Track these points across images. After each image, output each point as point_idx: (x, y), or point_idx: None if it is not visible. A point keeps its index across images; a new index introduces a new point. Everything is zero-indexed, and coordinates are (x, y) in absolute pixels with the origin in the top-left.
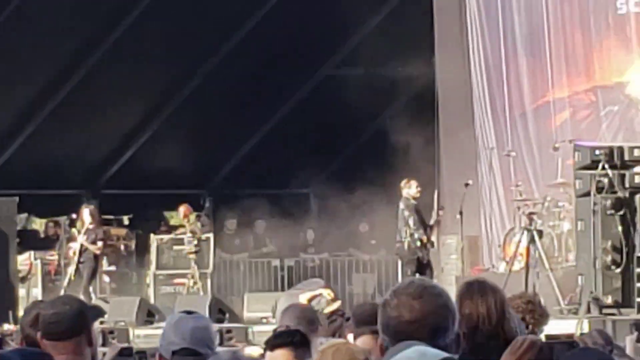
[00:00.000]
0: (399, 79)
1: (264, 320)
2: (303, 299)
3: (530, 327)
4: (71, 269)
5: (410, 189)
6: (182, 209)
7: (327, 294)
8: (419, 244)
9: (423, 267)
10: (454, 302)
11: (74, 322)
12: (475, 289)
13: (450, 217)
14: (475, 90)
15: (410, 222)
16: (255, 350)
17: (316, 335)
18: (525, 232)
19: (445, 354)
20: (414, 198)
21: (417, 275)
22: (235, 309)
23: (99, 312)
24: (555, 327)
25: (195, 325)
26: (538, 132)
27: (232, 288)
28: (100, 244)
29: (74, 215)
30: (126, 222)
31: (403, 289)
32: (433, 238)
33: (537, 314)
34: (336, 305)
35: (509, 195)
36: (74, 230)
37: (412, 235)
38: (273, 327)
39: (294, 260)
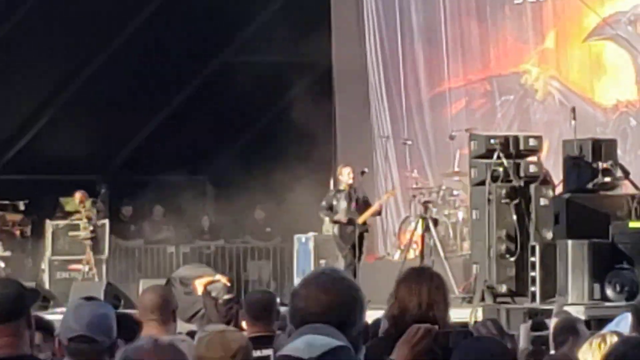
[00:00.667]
0: (297, 66)
1: None
2: (200, 284)
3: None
4: None
5: (342, 175)
6: (78, 194)
7: (225, 279)
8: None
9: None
10: (362, 295)
11: (14, 305)
12: (413, 275)
13: None
14: (372, 79)
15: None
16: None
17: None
18: (421, 220)
19: (336, 342)
20: (347, 184)
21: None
22: (130, 295)
23: (36, 295)
24: (449, 315)
25: (94, 312)
26: (434, 121)
27: (127, 274)
28: None
29: None
30: (22, 207)
31: (312, 280)
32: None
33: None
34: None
35: (404, 183)
36: None
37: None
38: None
39: (189, 247)
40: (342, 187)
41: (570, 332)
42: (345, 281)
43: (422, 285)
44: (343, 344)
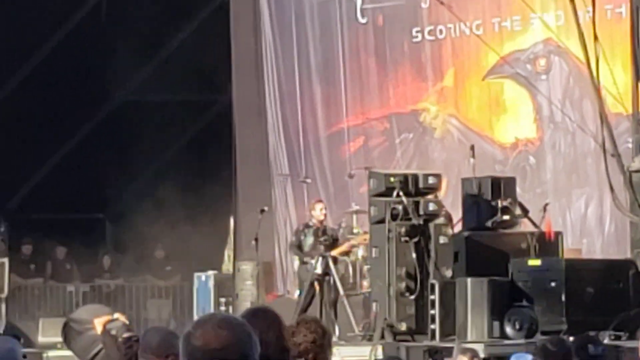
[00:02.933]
0: (197, 104)
1: (59, 346)
2: (99, 323)
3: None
4: None
5: (314, 211)
6: None
7: (124, 318)
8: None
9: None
10: (254, 332)
11: None
12: (248, 315)
13: (245, 243)
14: (270, 117)
15: (298, 248)
16: None
17: None
18: (320, 259)
19: None
20: (319, 220)
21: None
22: (30, 334)
23: None
24: (350, 353)
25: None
26: (332, 159)
27: (26, 313)
28: None
29: None
30: None
31: (206, 320)
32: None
33: (322, 347)
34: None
35: (302, 221)
36: None
37: (302, 260)
38: (67, 352)
39: (89, 285)
40: (312, 222)
41: None
42: (238, 319)
43: (255, 325)
44: None
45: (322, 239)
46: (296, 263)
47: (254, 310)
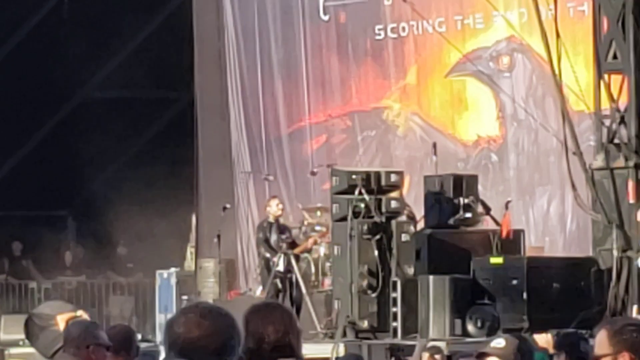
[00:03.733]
0: (159, 101)
1: (21, 343)
2: (62, 320)
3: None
4: None
5: (270, 207)
6: None
7: (87, 315)
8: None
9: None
10: (238, 324)
11: None
12: (262, 306)
13: (207, 241)
14: (232, 114)
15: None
16: None
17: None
18: (283, 256)
19: None
20: (275, 216)
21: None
22: None
23: None
24: (311, 350)
25: None
26: (293, 157)
27: None
28: None
29: None
30: None
31: (190, 309)
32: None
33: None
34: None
35: (264, 219)
36: None
37: (264, 257)
38: (29, 349)
39: (51, 282)
40: (270, 219)
41: None
42: (222, 310)
43: (275, 314)
44: None
45: (284, 236)
46: (257, 260)
47: (266, 302)
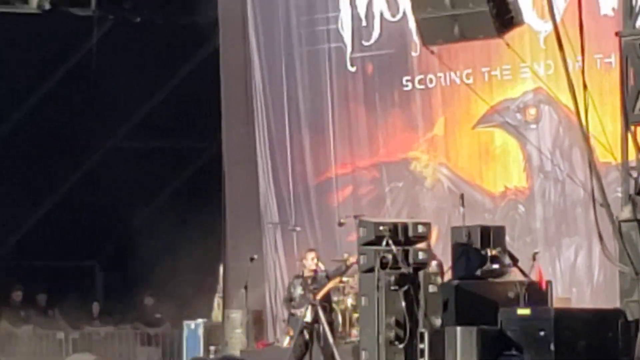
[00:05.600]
0: (186, 151)
1: None
2: None
3: None
4: None
5: (306, 260)
6: None
7: None
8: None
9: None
10: None
11: None
12: None
13: (235, 292)
14: (260, 165)
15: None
16: None
17: None
18: (310, 307)
19: None
20: (311, 270)
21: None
22: None
23: None
24: None
25: None
26: (320, 208)
27: None
28: None
29: None
30: None
31: None
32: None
33: None
34: None
35: (292, 270)
36: None
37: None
38: None
39: (78, 333)
40: (306, 272)
41: None
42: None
43: None
44: None
45: (311, 287)
46: (286, 311)
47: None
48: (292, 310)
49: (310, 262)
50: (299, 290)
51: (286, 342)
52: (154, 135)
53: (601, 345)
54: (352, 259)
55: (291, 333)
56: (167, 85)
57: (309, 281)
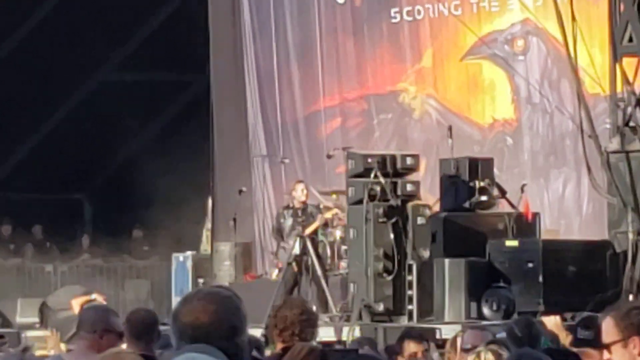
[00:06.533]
0: (174, 84)
1: (37, 326)
2: (76, 303)
3: (300, 332)
4: None
5: (295, 192)
6: None
7: (102, 298)
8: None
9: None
10: (244, 305)
11: None
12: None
13: (223, 224)
14: (248, 97)
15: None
16: None
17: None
18: (298, 239)
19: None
20: (300, 201)
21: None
22: (7, 314)
23: None
24: (327, 334)
25: None
26: (309, 140)
27: (4, 293)
28: None
29: None
30: None
31: (193, 296)
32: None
33: (307, 317)
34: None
35: (280, 202)
36: None
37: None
38: (44, 332)
39: (67, 266)
40: (292, 203)
41: None
42: (225, 292)
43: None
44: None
45: (300, 219)
46: (274, 244)
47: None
48: (281, 243)
49: (300, 193)
50: (288, 222)
51: (275, 274)
52: (142, 68)
53: (589, 276)
54: (328, 214)
55: (280, 265)
56: (155, 19)
57: (299, 213)
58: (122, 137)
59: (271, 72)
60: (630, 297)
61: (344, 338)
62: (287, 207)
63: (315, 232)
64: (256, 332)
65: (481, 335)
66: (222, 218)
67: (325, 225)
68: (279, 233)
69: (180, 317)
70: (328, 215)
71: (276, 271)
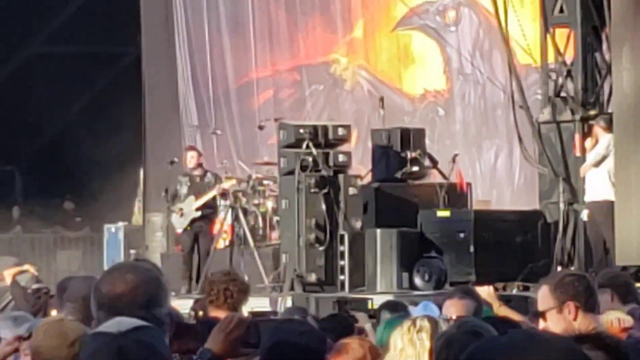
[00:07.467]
0: (105, 56)
1: None
2: (8, 274)
3: (231, 299)
4: None
5: (186, 159)
6: None
7: (34, 269)
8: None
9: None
10: (166, 279)
11: None
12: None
13: (155, 195)
14: (180, 68)
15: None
16: None
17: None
18: (230, 210)
19: (143, 322)
20: (190, 168)
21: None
22: None
23: None
24: (259, 304)
25: None
26: (241, 111)
27: None
28: None
29: None
30: None
31: (114, 267)
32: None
33: (238, 287)
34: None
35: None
36: None
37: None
38: None
39: None
40: (189, 171)
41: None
42: (147, 264)
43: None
44: (147, 324)
45: (196, 187)
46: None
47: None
48: (171, 207)
49: (190, 160)
50: (184, 189)
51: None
52: (73, 40)
53: (520, 246)
54: (226, 184)
55: (211, 236)
56: None
57: (198, 180)
58: (54, 109)
59: (202, 42)
60: (559, 268)
61: (278, 309)
62: (185, 174)
63: (213, 200)
64: (183, 303)
65: (465, 305)
66: (153, 189)
67: (223, 195)
68: (172, 198)
69: (100, 286)
70: (225, 185)
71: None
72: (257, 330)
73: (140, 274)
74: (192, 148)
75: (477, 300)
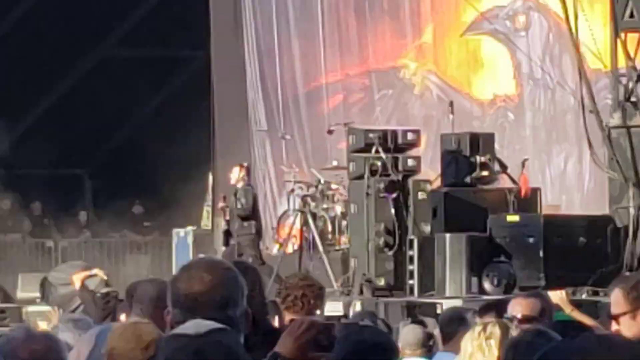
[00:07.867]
0: (175, 60)
1: (38, 301)
2: (77, 279)
3: (308, 305)
4: None
5: (232, 173)
6: None
7: (103, 274)
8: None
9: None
10: (242, 279)
11: None
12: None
13: None
14: (249, 73)
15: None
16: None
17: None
18: (299, 215)
19: (220, 325)
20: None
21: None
22: (8, 289)
23: None
24: (328, 308)
25: None
26: (310, 116)
27: (5, 268)
28: None
29: None
30: None
31: (193, 264)
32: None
33: (315, 293)
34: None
35: (281, 177)
36: None
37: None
38: (45, 307)
39: (67, 241)
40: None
41: (458, 322)
42: (225, 263)
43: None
44: (227, 327)
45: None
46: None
47: (234, 263)
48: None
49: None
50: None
51: (275, 249)
52: (143, 43)
53: (590, 251)
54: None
55: (280, 240)
56: None
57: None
58: (123, 113)
59: (272, 47)
60: (629, 273)
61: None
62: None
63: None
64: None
65: (531, 304)
66: (222, 193)
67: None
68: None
69: (176, 284)
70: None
71: (276, 247)
72: (329, 332)
73: (218, 273)
74: (239, 164)
75: (546, 302)
